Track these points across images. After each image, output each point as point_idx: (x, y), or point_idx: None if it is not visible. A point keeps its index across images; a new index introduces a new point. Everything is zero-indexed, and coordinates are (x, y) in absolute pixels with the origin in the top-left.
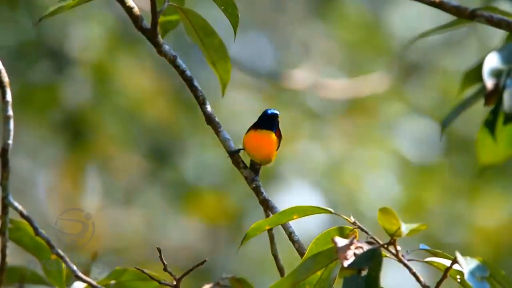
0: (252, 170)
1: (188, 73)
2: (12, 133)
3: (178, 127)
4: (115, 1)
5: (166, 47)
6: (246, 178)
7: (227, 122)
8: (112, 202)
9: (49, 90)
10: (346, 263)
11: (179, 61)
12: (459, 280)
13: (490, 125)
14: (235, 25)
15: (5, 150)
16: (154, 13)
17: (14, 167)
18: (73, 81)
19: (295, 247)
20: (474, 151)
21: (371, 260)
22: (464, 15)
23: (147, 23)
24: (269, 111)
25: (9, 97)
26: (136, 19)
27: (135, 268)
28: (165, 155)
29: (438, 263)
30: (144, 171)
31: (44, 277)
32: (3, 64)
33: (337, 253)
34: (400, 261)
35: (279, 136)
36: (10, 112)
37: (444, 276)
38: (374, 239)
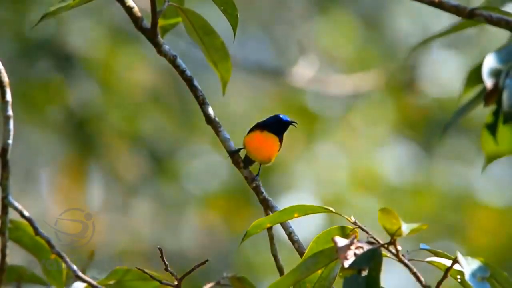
0: (246, 164)
1: (188, 73)
2: (12, 133)
3: (179, 128)
4: (115, 1)
5: (166, 47)
6: (246, 178)
7: (227, 122)
8: (113, 202)
9: (50, 89)
10: (346, 263)
11: (179, 61)
12: (459, 280)
13: (491, 126)
14: (234, 25)
15: (5, 150)
16: (154, 13)
17: (15, 167)
18: (75, 80)
19: (294, 247)
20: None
21: (372, 260)
22: (463, 15)
23: (147, 23)
24: (284, 118)
25: (9, 97)
26: (136, 19)
27: (136, 268)
28: (166, 155)
29: (439, 263)
30: (145, 170)
31: (43, 277)
32: (3, 64)
33: (337, 253)
34: (401, 261)
35: (281, 140)
36: (10, 112)
37: (444, 276)
38: (375, 239)
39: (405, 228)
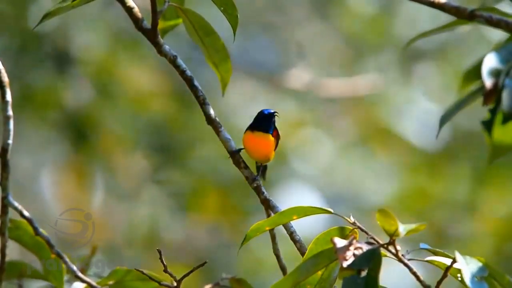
0: (257, 168)
1: (188, 72)
2: (12, 133)
3: (181, 125)
4: (115, 1)
5: (166, 47)
6: (247, 178)
7: (227, 122)
8: (114, 201)
9: (51, 90)
10: (345, 264)
11: (179, 61)
12: (459, 279)
13: (487, 124)
14: (234, 26)
15: (5, 150)
16: (154, 13)
17: (16, 167)
18: (75, 80)
19: (296, 247)
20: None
21: (371, 261)
22: (463, 16)
23: (147, 23)
24: (266, 111)
25: (9, 97)
26: (136, 20)
27: (135, 269)
28: (167, 154)
29: (439, 262)
30: (146, 170)
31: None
32: (3, 64)
33: (336, 254)
34: (400, 260)
35: (276, 136)
36: (10, 112)
37: (444, 275)
38: (374, 239)
39: (402, 229)
